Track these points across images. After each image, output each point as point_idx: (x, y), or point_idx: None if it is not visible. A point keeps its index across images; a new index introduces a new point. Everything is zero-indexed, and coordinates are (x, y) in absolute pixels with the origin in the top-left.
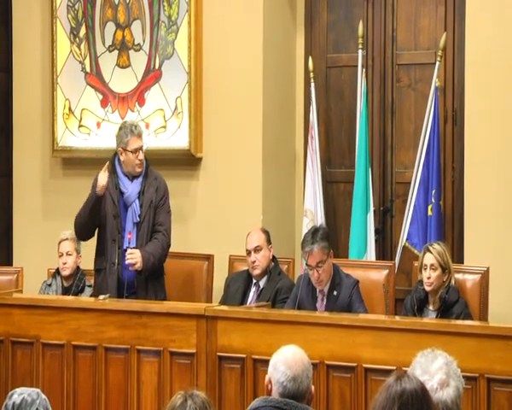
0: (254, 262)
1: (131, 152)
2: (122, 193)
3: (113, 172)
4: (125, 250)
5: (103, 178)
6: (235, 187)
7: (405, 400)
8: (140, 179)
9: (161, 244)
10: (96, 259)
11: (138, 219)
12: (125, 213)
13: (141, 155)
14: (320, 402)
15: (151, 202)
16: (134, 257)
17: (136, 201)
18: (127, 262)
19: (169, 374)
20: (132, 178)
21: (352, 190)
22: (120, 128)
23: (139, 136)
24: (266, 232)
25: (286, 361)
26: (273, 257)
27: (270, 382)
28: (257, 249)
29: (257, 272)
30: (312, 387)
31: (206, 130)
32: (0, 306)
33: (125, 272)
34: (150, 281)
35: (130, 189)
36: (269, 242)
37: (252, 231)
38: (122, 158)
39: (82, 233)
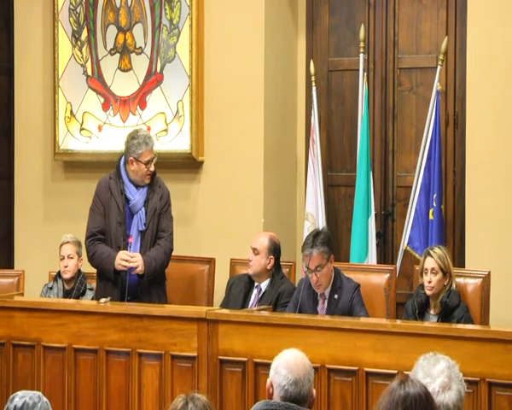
0: (250, 261)
1: (144, 164)
2: (127, 200)
3: (118, 176)
4: None
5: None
6: (236, 190)
7: (409, 404)
8: (146, 187)
9: (164, 249)
10: None
11: (144, 227)
12: (130, 221)
13: (152, 167)
14: (321, 406)
15: (155, 209)
16: (135, 260)
17: (142, 209)
18: (129, 266)
19: (170, 377)
20: (137, 185)
21: (354, 194)
22: (133, 137)
23: (152, 148)
24: (273, 242)
25: (287, 365)
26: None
27: (271, 385)
28: (255, 251)
29: (249, 271)
30: (314, 391)
31: (207, 133)
32: (1, 309)
33: (127, 276)
34: (153, 287)
35: (137, 197)
36: (271, 252)
37: (263, 231)
38: (132, 167)
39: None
